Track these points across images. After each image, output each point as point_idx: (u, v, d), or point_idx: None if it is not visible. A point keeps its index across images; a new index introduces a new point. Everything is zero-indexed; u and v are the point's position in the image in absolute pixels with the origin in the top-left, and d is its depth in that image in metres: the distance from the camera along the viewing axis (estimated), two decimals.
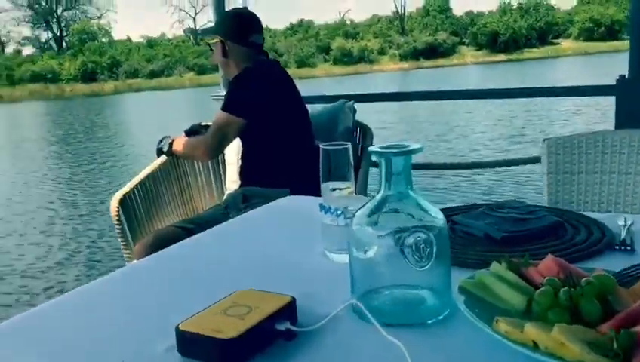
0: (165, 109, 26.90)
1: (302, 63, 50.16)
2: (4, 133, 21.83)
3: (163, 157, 2.39)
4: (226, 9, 3.17)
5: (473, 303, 0.80)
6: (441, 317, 0.83)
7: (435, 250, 0.81)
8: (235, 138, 2.20)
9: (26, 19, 67.92)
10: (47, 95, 47.93)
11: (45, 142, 16.77)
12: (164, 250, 1.26)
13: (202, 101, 29.79)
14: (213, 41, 2.27)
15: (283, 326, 0.80)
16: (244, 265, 1.14)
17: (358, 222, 0.86)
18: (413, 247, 0.81)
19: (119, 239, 2.10)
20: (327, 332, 0.81)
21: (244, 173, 2.24)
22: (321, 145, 1.35)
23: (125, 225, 2.08)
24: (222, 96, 2.96)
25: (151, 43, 65.36)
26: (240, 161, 2.29)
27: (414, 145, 0.83)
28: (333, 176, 1.42)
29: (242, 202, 2.11)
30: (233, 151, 2.47)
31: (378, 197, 0.85)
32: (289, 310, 0.84)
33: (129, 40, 69.04)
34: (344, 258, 1.09)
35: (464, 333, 0.78)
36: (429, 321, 0.83)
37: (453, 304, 0.83)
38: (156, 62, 54.97)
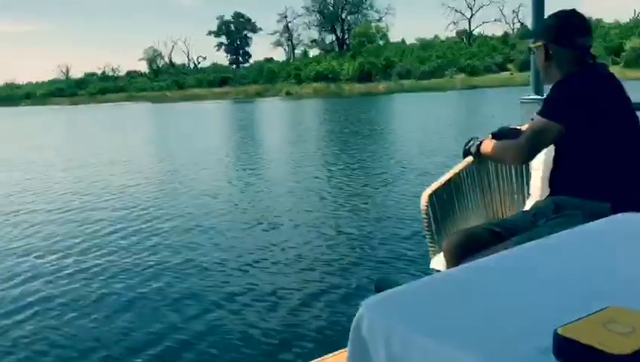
0: (442, 110, 27.24)
1: None
2: (312, 126, 24.35)
3: (469, 158, 2.43)
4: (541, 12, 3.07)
5: None
6: None
7: None
8: (550, 144, 2.12)
9: (315, 24, 75.48)
10: (328, 93, 52.58)
11: (356, 135, 18.09)
12: (503, 252, 1.28)
13: (477, 103, 29.41)
14: (537, 44, 2.21)
15: None
16: (596, 280, 1.09)
17: None
18: None
19: (426, 234, 2.20)
20: None
21: (557, 181, 2.14)
22: None
23: (432, 221, 2.17)
24: (532, 99, 2.89)
25: (424, 45, 66.93)
26: (551, 168, 2.20)
27: None
28: None
29: (553, 212, 2.03)
30: (539, 157, 2.38)
31: None
32: None
33: (403, 42, 71.73)
34: None
35: None
36: None
37: None
38: (428, 64, 56.05)
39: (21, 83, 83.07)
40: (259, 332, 3.82)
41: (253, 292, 4.57)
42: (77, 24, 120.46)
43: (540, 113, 2.07)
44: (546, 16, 2.44)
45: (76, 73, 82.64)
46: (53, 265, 5.60)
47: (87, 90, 71.11)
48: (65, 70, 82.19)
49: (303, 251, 5.68)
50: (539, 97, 2.84)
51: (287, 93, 56.23)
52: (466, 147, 2.39)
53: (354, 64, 58.00)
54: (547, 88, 2.20)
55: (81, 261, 5.68)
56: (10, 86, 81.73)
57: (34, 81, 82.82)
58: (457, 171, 2.40)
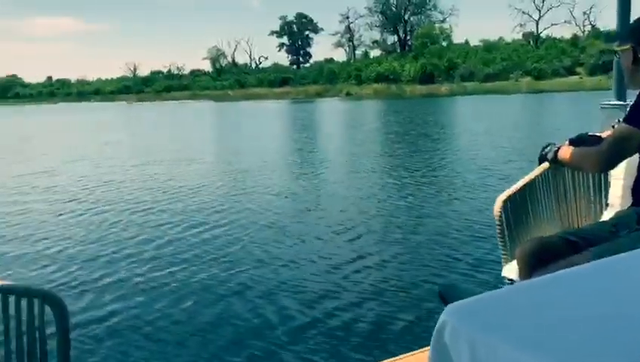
0: (509, 114, 26.61)
1: None
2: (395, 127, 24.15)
3: (545, 164, 2.36)
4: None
5: None
6: None
7: None
8: (634, 153, 2.03)
9: (377, 24, 75.10)
10: (388, 94, 52.29)
11: (425, 138, 17.99)
12: (589, 263, 1.23)
13: (545, 108, 28.48)
14: (623, 47, 2.12)
15: None
16: None
17: None
18: None
19: (499, 239, 2.15)
20: None
21: None
22: None
23: (505, 228, 2.12)
24: (613, 105, 2.78)
25: (488, 46, 65.46)
26: (634, 177, 2.11)
27: None
28: None
29: (637, 223, 1.94)
30: (621, 166, 2.28)
31: None
32: None
33: (467, 43, 70.41)
34: None
35: None
36: None
37: None
38: (493, 66, 54.81)
39: (91, 80, 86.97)
40: (339, 329, 4.00)
41: (330, 293, 4.71)
42: (145, 24, 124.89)
43: (626, 120, 1.98)
44: (633, 19, 2.33)
45: (143, 71, 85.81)
46: (145, 265, 5.72)
47: (152, 88, 73.66)
48: (132, 68, 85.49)
49: (379, 254, 5.77)
50: (621, 103, 2.72)
51: (347, 94, 56.31)
52: (543, 153, 2.32)
53: (416, 65, 57.40)
54: (631, 93, 2.11)
55: (174, 262, 5.77)
56: (82, 82, 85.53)
57: (103, 77, 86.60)
58: (533, 177, 2.33)
